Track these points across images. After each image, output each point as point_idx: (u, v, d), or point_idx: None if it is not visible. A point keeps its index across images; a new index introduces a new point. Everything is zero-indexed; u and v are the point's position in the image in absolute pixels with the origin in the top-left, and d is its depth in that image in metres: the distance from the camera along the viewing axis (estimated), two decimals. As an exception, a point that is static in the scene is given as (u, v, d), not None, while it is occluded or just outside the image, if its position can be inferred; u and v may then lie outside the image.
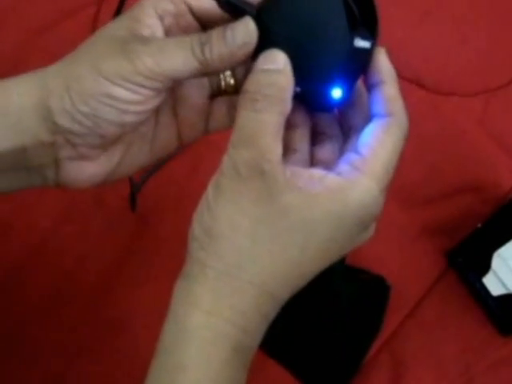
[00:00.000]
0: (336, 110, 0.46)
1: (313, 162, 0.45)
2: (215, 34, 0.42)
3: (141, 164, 0.48)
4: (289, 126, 0.44)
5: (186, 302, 0.40)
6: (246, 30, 0.41)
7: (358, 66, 0.42)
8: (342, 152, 0.44)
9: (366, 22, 0.43)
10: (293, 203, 0.39)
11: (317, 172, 0.40)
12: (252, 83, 0.40)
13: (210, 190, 0.41)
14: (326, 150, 0.45)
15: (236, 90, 0.48)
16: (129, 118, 0.42)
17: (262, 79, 0.40)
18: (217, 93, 0.48)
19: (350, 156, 0.41)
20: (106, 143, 0.44)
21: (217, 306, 0.39)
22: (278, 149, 0.39)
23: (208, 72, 0.42)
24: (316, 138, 0.46)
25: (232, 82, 0.48)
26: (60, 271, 0.66)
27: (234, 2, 0.42)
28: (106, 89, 0.41)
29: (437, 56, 0.75)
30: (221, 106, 0.48)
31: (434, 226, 0.68)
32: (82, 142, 0.43)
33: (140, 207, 0.67)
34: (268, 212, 0.39)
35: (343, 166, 0.41)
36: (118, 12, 0.49)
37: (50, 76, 0.43)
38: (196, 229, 0.41)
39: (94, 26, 0.74)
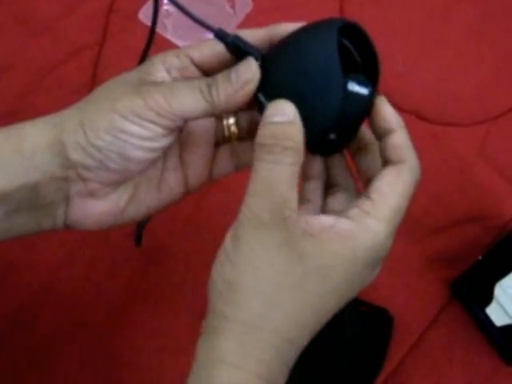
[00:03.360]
0: (342, 156, 0.47)
1: (324, 212, 0.46)
2: (220, 76, 0.44)
3: (148, 208, 0.49)
4: (304, 177, 0.47)
5: (212, 357, 0.41)
6: (248, 69, 0.43)
7: (356, 111, 0.43)
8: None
9: (368, 69, 0.44)
10: (307, 251, 0.40)
11: (326, 219, 0.41)
12: (268, 136, 0.41)
13: (229, 242, 0.42)
14: (337, 201, 0.46)
15: (238, 138, 0.50)
16: (140, 154, 0.44)
17: (276, 131, 0.41)
18: (221, 141, 0.51)
19: (360, 201, 0.42)
20: (116, 180, 0.46)
21: (243, 360, 0.40)
22: (295, 197, 0.41)
23: (215, 112, 0.44)
24: (329, 189, 0.47)
25: (235, 130, 0.50)
26: (66, 310, 0.66)
27: (241, 46, 0.44)
28: (120, 124, 0.43)
29: (436, 87, 0.76)
30: (224, 154, 0.50)
31: (437, 256, 0.68)
32: (93, 176, 0.45)
33: (145, 244, 0.68)
34: (288, 259, 0.40)
35: (353, 210, 0.41)
36: (143, 59, 0.51)
37: (64, 116, 0.45)
38: (218, 282, 0.42)
39: (95, 67, 0.75)
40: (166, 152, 0.48)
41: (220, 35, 0.45)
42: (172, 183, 0.50)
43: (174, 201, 0.50)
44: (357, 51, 0.44)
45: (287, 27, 0.46)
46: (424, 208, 0.70)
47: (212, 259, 0.43)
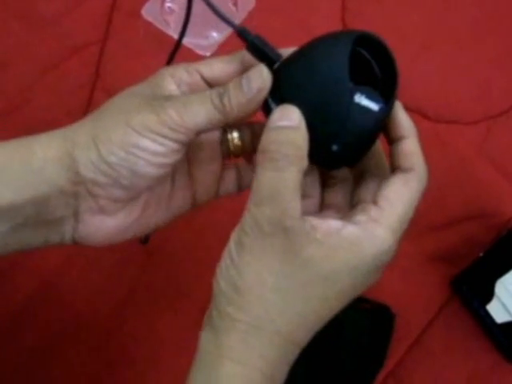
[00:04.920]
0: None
1: (323, 206, 0.47)
2: (232, 84, 0.44)
3: (156, 223, 0.49)
4: None
5: (217, 353, 0.42)
6: (259, 77, 0.43)
7: (363, 125, 0.42)
8: (353, 196, 0.46)
9: (387, 86, 0.43)
10: (313, 256, 0.40)
11: (334, 223, 0.41)
12: (270, 142, 0.41)
13: (233, 246, 0.42)
14: (336, 194, 0.46)
15: (243, 151, 0.50)
16: (152, 170, 0.44)
17: (280, 138, 0.41)
18: (226, 155, 0.51)
19: (368, 207, 0.42)
20: (126, 197, 0.45)
21: (247, 356, 0.41)
22: (299, 204, 0.41)
23: (228, 121, 0.44)
24: (326, 181, 0.47)
25: (239, 143, 0.50)
26: (70, 307, 0.66)
27: (261, 47, 0.44)
28: (134, 139, 0.42)
29: (438, 85, 0.76)
30: (231, 174, 0.51)
31: (437, 253, 0.69)
32: (103, 193, 0.44)
33: (149, 242, 0.68)
34: (291, 266, 0.41)
35: (360, 217, 0.42)
36: (170, 61, 0.52)
37: (76, 129, 0.44)
38: (222, 284, 0.42)
39: (97, 64, 0.76)
40: (175, 169, 0.48)
41: (242, 33, 0.44)
42: (181, 199, 0.50)
43: (181, 214, 0.51)
44: (378, 66, 0.44)
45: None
46: (424, 205, 0.69)
47: (215, 257, 0.43)
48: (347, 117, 0.41)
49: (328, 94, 0.41)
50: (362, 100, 0.41)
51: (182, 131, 0.43)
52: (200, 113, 0.43)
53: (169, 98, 0.44)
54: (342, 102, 0.41)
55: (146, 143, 0.42)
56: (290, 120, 0.41)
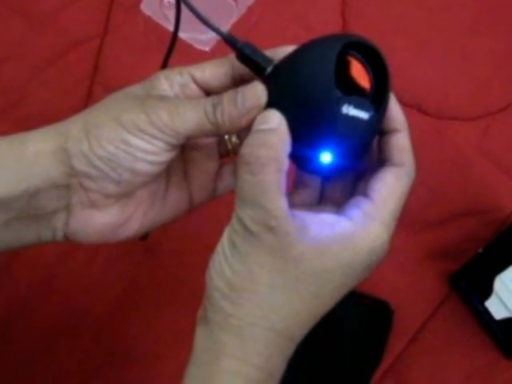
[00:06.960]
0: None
1: (322, 198, 0.46)
2: (226, 97, 0.43)
3: (152, 223, 0.49)
4: None
5: (212, 349, 0.41)
6: (254, 95, 0.43)
7: (354, 135, 0.41)
8: (350, 192, 0.46)
9: (379, 90, 0.42)
10: (305, 254, 0.40)
11: (328, 217, 0.41)
12: (246, 145, 0.41)
13: (226, 244, 0.42)
14: (337, 189, 0.46)
15: None
16: (142, 167, 0.44)
17: (253, 140, 0.41)
18: (224, 153, 0.51)
19: (361, 201, 0.42)
20: (118, 192, 0.45)
21: (244, 353, 0.41)
22: (283, 203, 0.40)
23: (219, 133, 0.44)
24: None
25: (237, 141, 0.50)
26: (69, 301, 0.66)
27: (250, 55, 0.44)
28: (123, 136, 0.43)
29: (437, 81, 0.76)
30: (228, 171, 0.50)
31: (436, 249, 0.69)
32: (95, 187, 0.44)
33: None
34: (284, 263, 0.40)
35: (354, 211, 0.41)
36: (165, 65, 0.52)
37: (68, 124, 0.45)
38: (216, 280, 0.42)
39: (96, 59, 0.75)
40: (170, 167, 0.47)
41: (229, 40, 0.44)
42: (176, 198, 0.50)
43: (178, 216, 0.51)
44: (371, 70, 0.42)
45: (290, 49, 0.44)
46: (424, 201, 0.70)
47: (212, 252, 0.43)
48: (336, 128, 0.40)
49: (315, 105, 0.40)
50: (350, 110, 0.40)
51: (172, 134, 0.43)
52: (192, 120, 0.43)
53: (162, 98, 0.44)
54: (329, 113, 0.40)
55: (135, 141, 0.43)
56: (268, 123, 0.41)
